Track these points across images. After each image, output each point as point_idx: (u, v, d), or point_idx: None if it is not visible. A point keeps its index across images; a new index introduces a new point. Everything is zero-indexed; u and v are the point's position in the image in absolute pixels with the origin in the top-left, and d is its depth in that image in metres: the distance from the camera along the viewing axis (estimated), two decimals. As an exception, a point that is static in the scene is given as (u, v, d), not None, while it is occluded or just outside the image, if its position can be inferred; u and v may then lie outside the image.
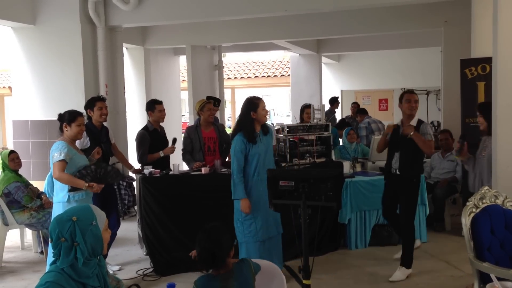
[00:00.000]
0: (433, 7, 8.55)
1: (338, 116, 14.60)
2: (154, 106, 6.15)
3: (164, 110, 6.22)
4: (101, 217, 2.39)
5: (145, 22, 8.33)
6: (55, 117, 4.65)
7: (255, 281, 2.68)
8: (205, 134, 6.16)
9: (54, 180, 4.49)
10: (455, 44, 8.25)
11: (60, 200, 4.45)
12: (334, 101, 12.26)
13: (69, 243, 2.26)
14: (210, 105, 6.14)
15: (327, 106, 11.64)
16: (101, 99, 5.56)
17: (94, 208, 2.41)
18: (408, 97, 5.08)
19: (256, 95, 4.79)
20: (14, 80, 7.70)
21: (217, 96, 11.08)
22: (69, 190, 4.42)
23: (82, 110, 6.39)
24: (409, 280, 5.02)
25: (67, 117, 4.57)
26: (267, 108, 4.72)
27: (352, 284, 4.99)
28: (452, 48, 8.31)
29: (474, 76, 6.74)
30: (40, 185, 6.50)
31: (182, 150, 6.21)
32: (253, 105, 4.61)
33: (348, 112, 13.17)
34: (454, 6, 8.26)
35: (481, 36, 6.60)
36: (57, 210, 4.46)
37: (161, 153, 6.03)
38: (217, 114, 7.85)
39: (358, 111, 10.16)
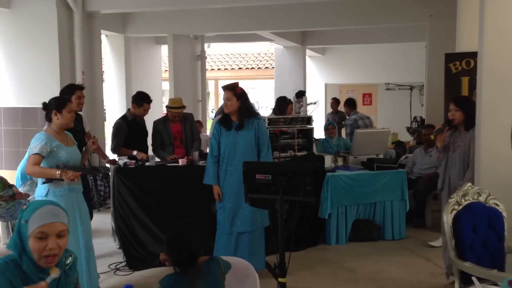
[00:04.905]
0: (418, 1, 8.48)
1: (322, 110, 14.48)
2: (142, 104, 5.96)
3: (149, 109, 6.07)
4: (41, 219, 2.06)
5: (125, 8, 8.12)
6: (29, 105, 4.39)
7: (225, 280, 2.53)
8: (173, 128, 6.05)
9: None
10: (440, 39, 8.18)
11: (39, 195, 4.07)
12: (299, 96, 11.69)
13: (17, 223, 2.14)
14: (175, 112, 5.96)
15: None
16: (80, 87, 5.36)
17: (49, 209, 2.11)
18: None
19: (229, 83, 4.75)
20: (-14, 65, 7.45)
21: (199, 88, 10.93)
22: (43, 182, 4.03)
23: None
24: (388, 277, 4.93)
25: (55, 104, 4.08)
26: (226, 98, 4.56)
27: (330, 281, 4.87)
28: (437, 42, 8.25)
29: (458, 70, 6.69)
30: (12, 175, 6.28)
31: (152, 145, 6.04)
32: None
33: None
34: (440, 0, 8.20)
35: (466, 30, 6.53)
36: None
37: (135, 152, 5.83)
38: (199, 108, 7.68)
39: (347, 102, 9.23)
